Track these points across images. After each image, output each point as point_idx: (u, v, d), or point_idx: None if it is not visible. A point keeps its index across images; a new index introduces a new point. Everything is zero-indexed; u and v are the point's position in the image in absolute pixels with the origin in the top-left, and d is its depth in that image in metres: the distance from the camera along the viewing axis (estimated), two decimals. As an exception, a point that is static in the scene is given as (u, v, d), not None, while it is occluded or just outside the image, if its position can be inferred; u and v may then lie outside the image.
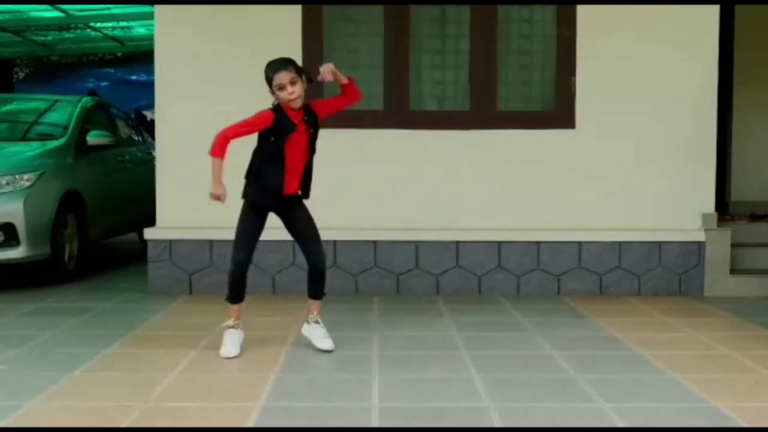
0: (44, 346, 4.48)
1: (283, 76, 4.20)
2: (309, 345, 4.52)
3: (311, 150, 4.36)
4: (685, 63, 6.16)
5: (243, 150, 4.57)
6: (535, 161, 6.18)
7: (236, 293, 4.37)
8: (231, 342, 4.29)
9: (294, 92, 4.19)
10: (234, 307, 4.36)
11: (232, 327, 4.33)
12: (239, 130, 4.29)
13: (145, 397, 3.52)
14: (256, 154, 4.41)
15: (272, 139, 4.27)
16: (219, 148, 4.33)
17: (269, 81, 4.26)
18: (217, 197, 4.32)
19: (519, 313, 5.44)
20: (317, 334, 4.42)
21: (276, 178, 4.32)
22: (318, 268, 4.43)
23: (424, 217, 6.16)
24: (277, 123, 4.23)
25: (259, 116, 4.26)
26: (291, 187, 4.37)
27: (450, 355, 4.32)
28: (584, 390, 3.68)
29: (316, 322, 4.46)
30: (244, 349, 4.39)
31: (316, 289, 4.48)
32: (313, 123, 4.33)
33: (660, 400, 3.55)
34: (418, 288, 6.12)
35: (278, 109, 4.26)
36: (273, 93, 4.26)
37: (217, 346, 4.48)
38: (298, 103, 4.22)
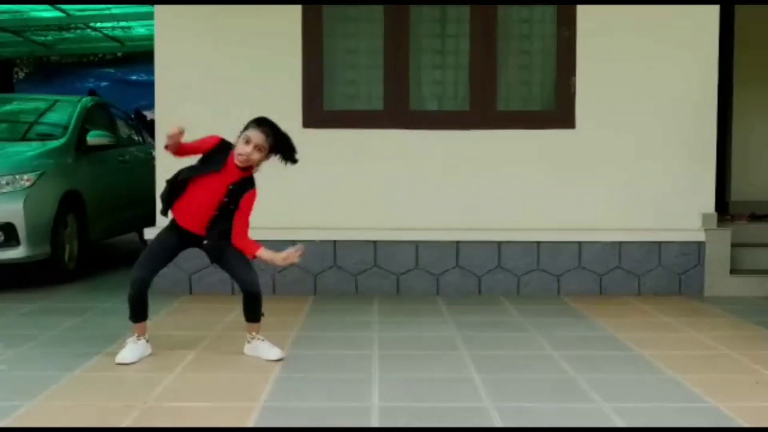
0: (44, 346, 4.48)
1: (255, 135, 4.04)
2: (309, 345, 4.53)
3: (222, 210, 4.06)
4: (685, 63, 6.16)
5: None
6: (535, 161, 6.18)
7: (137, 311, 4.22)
8: (130, 350, 4.13)
9: (251, 155, 4.01)
10: (137, 325, 4.22)
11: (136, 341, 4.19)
12: (188, 144, 4.12)
13: (145, 397, 3.52)
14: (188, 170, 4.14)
15: (197, 168, 4.10)
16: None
17: (245, 127, 4.12)
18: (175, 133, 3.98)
19: (519, 313, 5.44)
20: (262, 347, 4.24)
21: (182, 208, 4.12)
22: (250, 293, 4.23)
23: (424, 217, 6.16)
24: (211, 156, 4.06)
25: (209, 138, 4.15)
26: (195, 226, 4.13)
27: (450, 355, 4.32)
28: (584, 390, 3.68)
29: (258, 339, 4.28)
30: (243, 348, 4.40)
31: (248, 313, 4.29)
32: (235, 196, 4.06)
33: (660, 400, 3.55)
34: (418, 288, 6.12)
35: (227, 149, 4.09)
36: (237, 138, 4.09)
37: (218, 346, 4.49)
38: (242, 165, 4.04)
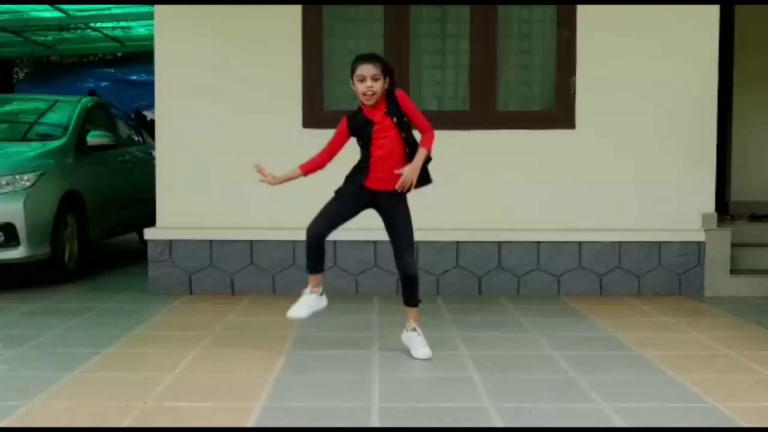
0: (44, 346, 4.48)
1: (366, 69, 4.15)
2: (309, 345, 4.53)
3: (404, 138, 4.22)
4: (685, 63, 6.16)
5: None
6: (535, 161, 6.18)
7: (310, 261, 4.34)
8: (305, 303, 4.31)
9: (372, 86, 4.13)
10: (311, 277, 4.35)
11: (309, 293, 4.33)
12: (327, 145, 4.39)
13: (145, 397, 3.52)
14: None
15: (360, 142, 4.31)
16: (309, 162, 4.45)
17: (352, 71, 4.23)
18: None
19: (519, 313, 5.44)
20: (415, 343, 4.27)
21: (359, 174, 4.34)
22: (405, 276, 4.35)
23: (425, 217, 6.14)
24: (352, 125, 4.27)
25: (339, 126, 4.33)
26: (382, 183, 4.29)
27: (450, 355, 4.32)
28: (584, 390, 3.68)
29: (413, 330, 4.32)
30: (243, 349, 4.40)
31: (405, 295, 4.39)
32: (399, 117, 4.20)
33: (660, 400, 3.55)
34: (418, 288, 6.11)
35: (356, 111, 4.29)
36: (353, 85, 4.23)
37: (217, 346, 4.49)
38: (372, 100, 4.16)
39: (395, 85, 4.27)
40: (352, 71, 4.21)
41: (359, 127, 4.24)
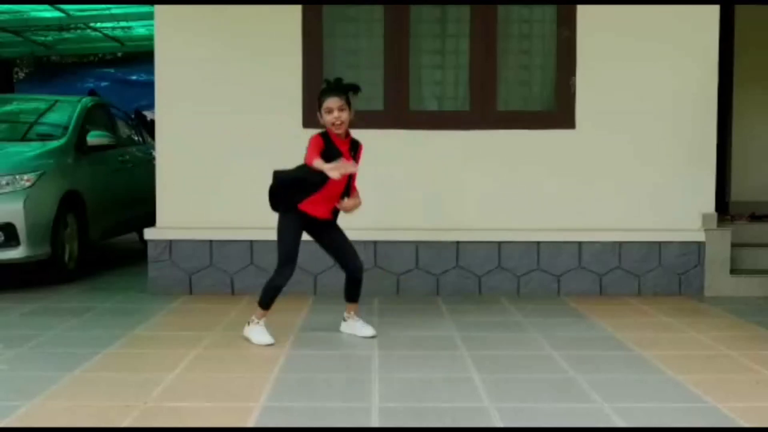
0: (44, 346, 4.48)
1: (332, 102, 4.43)
2: (309, 345, 4.53)
3: (349, 182, 4.57)
4: (685, 63, 6.16)
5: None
6: (535, 161, 6.18)
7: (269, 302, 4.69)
8: (259, 331, 4.58)
9: (340, 117, 4.42)
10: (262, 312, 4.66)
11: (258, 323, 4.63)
12: (310, 157, 4.44)
13: (145, 397, 3.52)
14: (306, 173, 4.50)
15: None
16: (312, 159, 4.47)
17: (319, 103, 4.50)
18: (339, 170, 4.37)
19: (519, 313, 5.44)
20: (357, 325, 4.77)
21: (313, 203, 4.56)
22: (356, 279, 4.73)
23: (424, 217, 6.16)
24: (325, 148, 4.44)
25: (313, 141, 4.47)
26: (325, 212, 4.60)
27: (450, 355, 4.32)
28: (584, 390, 3.68)
29: (352, 318, 4.81)
30: (243, 349, 4.41)
31: (353, 293, 4.79)
32: (355, 152, 4.58)
33: (660, 400, 3.55)
34: (418, 288, 6.12)
35: (326, 135, 4.49)
36: (320, 116, 4.50)
37: (217, 346, 4.49)
38: (341, 129, 4.46)
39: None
40: (320, 103, 4.48)
41: (329, 153, 4.42)
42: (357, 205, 4.60)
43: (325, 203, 4.56)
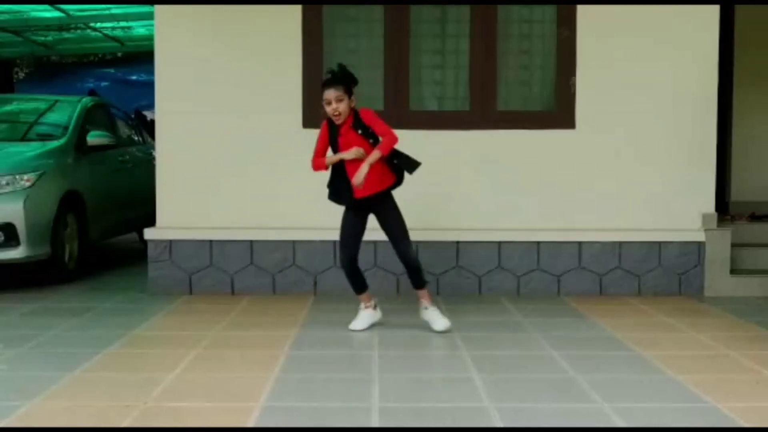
0: (44, 346, 4.48)
1: (329, 94, 4.61)
2: (309, 345, 4.53)
3: (372, 146, 4.67)
4: (685, 63, 6.16)
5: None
6: (535, 161, 6.18)
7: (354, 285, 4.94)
8: (361, 318, 4.93)
9: (337, 109, 4.61)
10: (361, 296, 4.97)
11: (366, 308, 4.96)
12: (316, 150, 4.82)
13: (145, 397, 3.52)
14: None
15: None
16: (317, 164, 4.82)
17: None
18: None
19: (519, 313, 5.44)
20: (432, 317, 4.85)
21: (342, 184, 4.76)
22: (405, 263, 4.84)
23: (425, 217, 6.15)
24: (330, 132, 4.75)
25: (321, 129, 4.81)
26: (362, 189, 4.69)
27: (450, 355, 4.32)
28: (584, 390, 3.68)
29: (426, 308, 4.88)
30: (243, 349, 4.41)
31: (412, 280, 4.90)
32: (363, 129, 4.69)
33: (660, 400, 3.55)
34: (418, 288, 6.11)
35: (330, 122, 4.75)
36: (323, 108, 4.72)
37: (218, 346, 4.49)
38: (341, 120, 4.66)
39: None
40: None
41: (333, 133, 4.75)
42: (362, 172, 4.57)
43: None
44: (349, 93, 4.65)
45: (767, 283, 6.17)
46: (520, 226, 6.15)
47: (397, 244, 4.82)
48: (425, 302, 4.89)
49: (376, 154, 4.58)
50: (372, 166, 4.57)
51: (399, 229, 4.82)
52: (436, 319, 4.83)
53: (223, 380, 3.85)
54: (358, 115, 4.70)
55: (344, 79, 4.65)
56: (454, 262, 6.15)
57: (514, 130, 6.17)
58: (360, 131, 4.68)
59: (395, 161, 4.73)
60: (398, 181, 4.82)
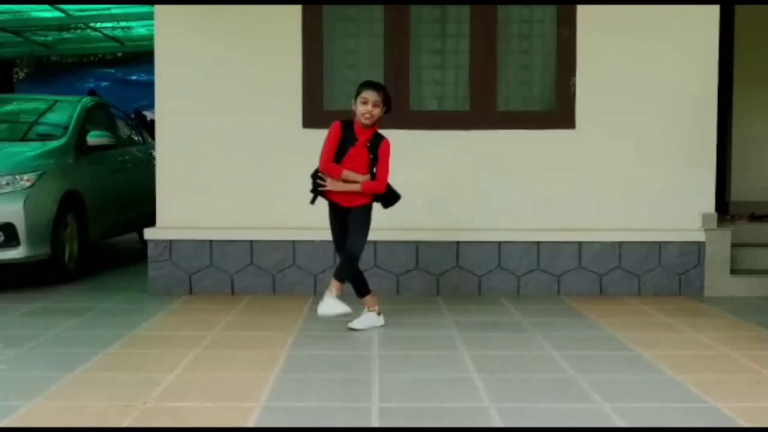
0: (44, 346, 4.48)
1: (370, 95, 4.75)
2: (309, 345, 4.53)
3: (369, 169, 4.82)
4: (685, 63, 6.16)
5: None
6: (535, 161, 6.18)
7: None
8: (363, 318, 4.95)
9: (372, 111, 4.74)
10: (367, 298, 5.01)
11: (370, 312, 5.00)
12: (326, 150, 4.83)
13: (145, 397, 3.52)
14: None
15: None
16: (333, 169, 4.82)
17: (357, 93, 4.81)
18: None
19: (519, 313, 5.44)
20: (325, 300, 4.80)
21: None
22: (349, 252, 4.84)
23: (424, 217, 6.16)
24: (344, 133, 4.80)
25: (330, 129, 4.84)
26: (343, 199, 4.85)
27: (450, 355, 4.32)
28: (584, 390, 3.68)
29: (328, 296, 4.81)
30: (243, 349, 4.41)
31: (337, 270, 4.87)
32: (374, 148, 4.81)
33: (660, 400, 3.55)
34: (418, 288, 6.12)
35: (348, 123, 4.82)
36: (354, 105, 4.80)
37: (218, 346, 4.49)
38: (369, 122, 4.76)
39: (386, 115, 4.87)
40: (358, 93, 4.79)
41: (346, 139, 4.80)
42: (337, 186, 4.80)
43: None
44: (386, 105, 4.80)
45: (767, 283, 6.17)
46: (520, 226, 6.15)
47: (356, 239, 4.83)
48: (333, 290, 4.78)
49: (356, 186, 4.77)
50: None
51: (353, 236, 4.82)
52: (326, 304, 4.77)
53: (223, 380, 3.85)
54: (379, 140, 4.82)
55: (387, 93, 4.83)
56: (454, 262, 6.15)
57: (514, 130, 6.17)
58: (371, 155, 4.80)
59: (379, 198, 4.90)
60: (371, 203, 4.89)
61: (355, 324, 4.91)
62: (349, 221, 4.85)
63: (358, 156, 4.80)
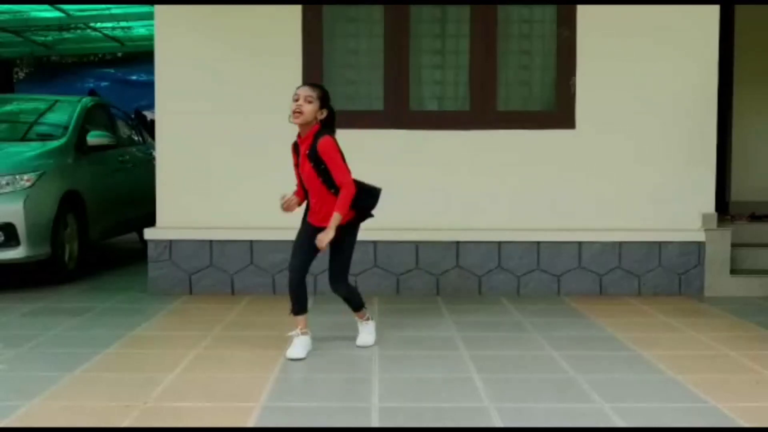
0: (44, 346, 4.48)
1: (301, 90, 4.24)
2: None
3: (324, 183, 4.24)
4: (685, 63, 6.16)
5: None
6: (535, 161, 6.18)
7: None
8: (299, 344, 4.29)
9: (301, 106, 4.15)
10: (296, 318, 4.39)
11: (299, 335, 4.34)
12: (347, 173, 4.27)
13: (145, 397, 3.52)
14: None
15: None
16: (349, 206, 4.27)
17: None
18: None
19: (519, 313, 5.44)
20: (359, 331, 4.58)
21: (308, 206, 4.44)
22: (341, 296, 4.56)
23: (424, 217, 6.16)
24: (294, 150, 4.38)
25: (332, 145, 4.25)
26: (317, 219, 4.34)
27: (450, 355, 4.32)
28: (584, 390, 3.68)
29: (360, 323, 4.59)
30: (243, 349, 4.41)
31: (349, 305, 4.60)
32: (314, 154, 4.21)
33: (660, 400, 3.55)
34: (418, 288, 6.12)
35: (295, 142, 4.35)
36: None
37: (218, 346, 4.49)
38: (298, 120, 4.18)
39: (329, 127, 4.27)
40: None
41: (294, 152, 4.36)
42: (326, 238, 4.20)
43: (312, 207, 4.39)
44: (322, 102, 4.20)
45: (767, 283, 6.17)
46: (520, 226, 6.15)
47: (334, 279, 4.47)
48: (361, 320, 4.58)
49: (336, 219, 4.15)
50: (327, 204, 4.22)
51: (342, 265, 4.45)
52: (364, 333, 4.54)
53: (223, 380, 3.85)
54: (316, 142, 4.18)
55: (324, 90, 4.28)
56: (454, 262, 6.15)
57: (514, 130, 6.17)
58: (312, 163, 4.20)
59: (358, 203, 4.29)
60: (360, 217, 4.39)
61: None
62: (336, 254, 4.40)
63: (305, 170, 4.24)
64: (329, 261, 4.48)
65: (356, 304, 4.57)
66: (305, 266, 4.40)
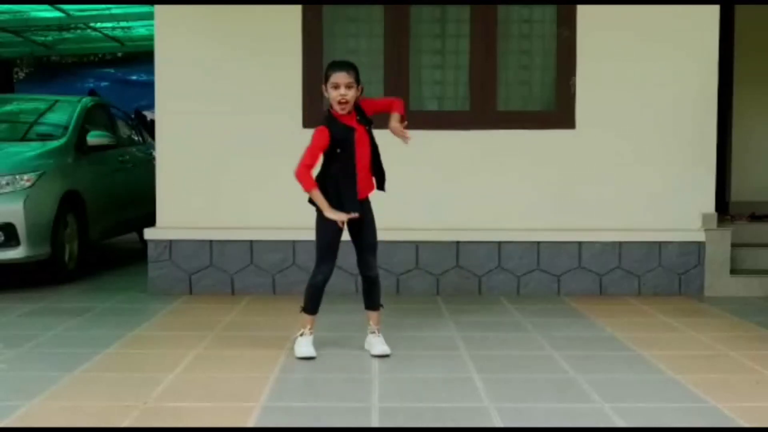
0: (44, 346, 4.48)
1: (340, 77, 4.12)
2: (309, 345, 4.53)
3: (374, 146, 4.29)
4: (685, 63, 6.16)
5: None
6: (535, 161, 6.18)
7: (315, 305, 4.34)
8: (308, 343, 4.25)
9: (346, 95, 4.11)
10: (309, 318, 4.32)
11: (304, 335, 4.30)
12: (310, 156, 4.16)
13: (145, 397, 3.52)
14: (325, 173, 4.24)
15: (338, 151, 4.18)
16: (308, 181, 4.17)
17: (326, 77, 4.19)
18: (342, 221, 4.21)
19: (519, 314, 5.44)
20: (373, 342, 4.35)
21: (352, 188, 4.24)
22: (368, 276, 4.39)
23: (424, 217, 6.16)
24: (335, 134, 4.15)
25: (317, 136, 4.17)
26: (365, 191, 4.32)
27: (450, 355, 4.32)
28: (584, 390, 3.68)
29: (373, 332, 4.38)
30: (243, 349, 4.41)
31: (367, 299, 4.44)
32: (366, 120, 4.26)
33: (660, 400, 3.55)
34: (418, 288, 6.12)
35: (330, 119, 4.18)
36: (326, 91, 4.20)
37: (218, 346, 4.49)
38: (346, 109, 4.15)
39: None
40: (326, 78, 4.17)
41: (343, 136, 4.16)
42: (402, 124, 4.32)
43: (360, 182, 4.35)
44: (358, 83, 4.18)
45: (767, 283, 6.17)
46: (520, 226, 6.15)
47: (366, 254, 4.38)
48: (375, 326, 4.39)
49: (398, 116, 4.32)
50: (366, 178, 4.26)
51: (373, 237, 4.40)
52: (378, 344, 4.32)
53: (223, 380, 3.85)
54: (359, 106, 4.23)
55: (356, 68, 4.22)
56: (454, 262, 6.15)
57: (514, 130, 6.17)
58: (367, 127, 4.24)
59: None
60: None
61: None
62: (369, 229, 4.36)
63: (364, 139, 4.22)
64: (357, 242, 4.37)
65: (378, 297, 4.41)
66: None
